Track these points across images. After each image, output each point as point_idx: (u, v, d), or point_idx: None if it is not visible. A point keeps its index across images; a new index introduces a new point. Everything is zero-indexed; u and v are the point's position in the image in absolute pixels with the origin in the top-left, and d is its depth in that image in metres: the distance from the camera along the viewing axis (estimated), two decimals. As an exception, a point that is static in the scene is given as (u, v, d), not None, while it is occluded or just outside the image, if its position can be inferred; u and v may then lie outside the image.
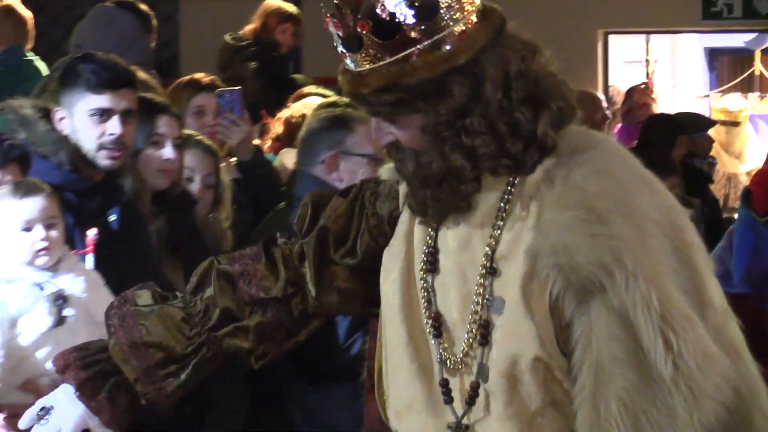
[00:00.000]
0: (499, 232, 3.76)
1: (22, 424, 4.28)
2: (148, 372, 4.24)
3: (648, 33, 16.71)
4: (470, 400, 3.83)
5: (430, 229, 3.94)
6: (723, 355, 3.67)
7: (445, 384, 3.85)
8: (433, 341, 3.88)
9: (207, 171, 6.89)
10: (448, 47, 3.68)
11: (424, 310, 3.95)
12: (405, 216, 4.06)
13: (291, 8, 11.12)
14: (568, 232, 3.62)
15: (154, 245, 6.28)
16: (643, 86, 14.66)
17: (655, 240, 3.67)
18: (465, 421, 3.85)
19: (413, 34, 3.67)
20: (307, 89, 9.46)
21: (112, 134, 5.90)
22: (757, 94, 15.50)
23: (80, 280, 5.22)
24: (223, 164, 7.19)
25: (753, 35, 16.11)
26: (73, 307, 5.29)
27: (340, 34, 3.74)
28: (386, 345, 4.01)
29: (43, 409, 4.26)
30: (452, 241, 3.86)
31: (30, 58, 9.59)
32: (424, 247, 3.96)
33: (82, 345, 4.36)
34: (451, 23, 3.69)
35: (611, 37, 16.15)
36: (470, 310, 3.83)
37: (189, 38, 14.65)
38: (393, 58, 3.70)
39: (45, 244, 5.26)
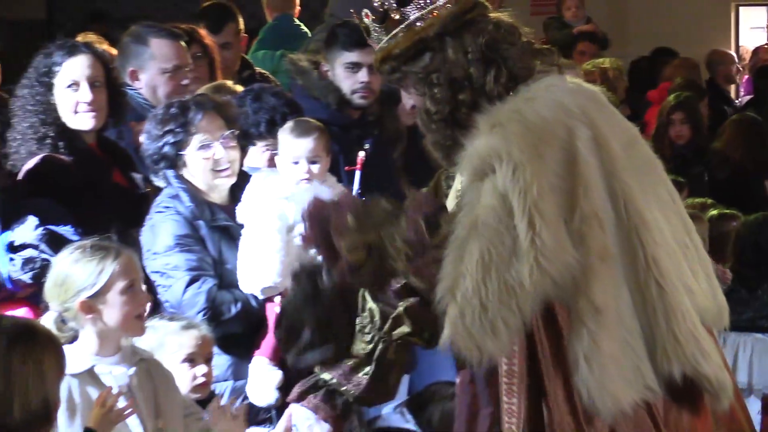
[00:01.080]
0: None
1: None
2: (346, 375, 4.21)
3: (766, 5, 16.50)
4: None
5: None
6: (572, 250, 3.67)
7: None
8: None
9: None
10: (419, 24, 3.91)
11: None
12: None
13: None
14: (477, 135, 3.76)
15: (396, 167, 6.49)
16: (766, 46, 14.40)
17: (549, 149, 3.71)
18: None
19: (396, 17, 3.94)
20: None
21: (362, 82, 6.32)
22: None
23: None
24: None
25: None
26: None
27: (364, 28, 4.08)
28: None
29: None
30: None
31: (297, 23, 9.52)
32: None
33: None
34: (425, 7, 3.92)
35: (741, 8, 15.93)
36: None
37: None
38: (387, 37, 3.97)
39: (306, 176, 5.37)
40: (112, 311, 4.36)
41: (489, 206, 3.72)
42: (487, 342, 3.65)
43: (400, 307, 4.07)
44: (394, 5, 3.95)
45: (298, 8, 9.79)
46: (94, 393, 4.30)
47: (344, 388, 4.17)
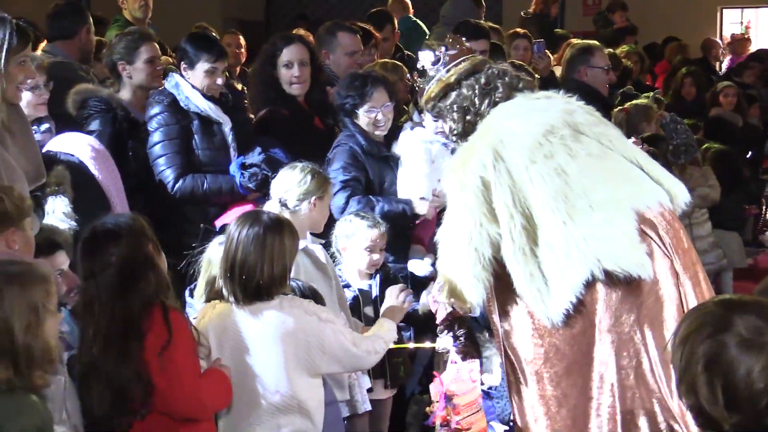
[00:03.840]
0: None
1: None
2: None
3: (742, 8, 16.27)
4: None
5: None
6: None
7: None
8: None
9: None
10: (447, 74, 3.92)
11: None
12: None
13: None
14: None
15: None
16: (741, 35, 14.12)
17: (540, 155, 3.62)
18: None
19: (432, 73, 3.95)
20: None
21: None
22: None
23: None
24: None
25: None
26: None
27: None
28: None
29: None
30: None
31: (415, 21, 8.99)
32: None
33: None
34: (449, 64, 3.93)
35: (724, 10, 15.40)
36: None
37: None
38: (428, 86, 3.97)
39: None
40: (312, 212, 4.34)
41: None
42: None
43: None
44: (431, 65, 3.95)
45: (412, 10, 9.30)
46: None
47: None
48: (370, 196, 5.05)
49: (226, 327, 3.60)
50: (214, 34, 5.68)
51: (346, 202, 4.97)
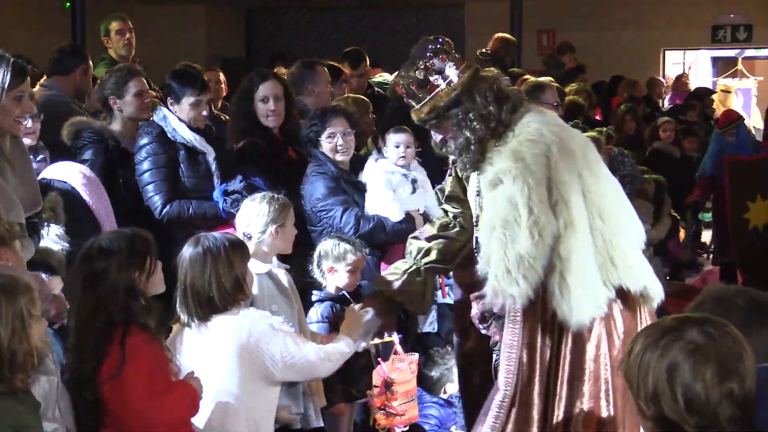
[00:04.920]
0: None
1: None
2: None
3: (684, 50, 16.49)
4: None
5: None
6: (555, 222, 3.54)
7: None
8: None
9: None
10: (454, 83, 3.73)
11: None
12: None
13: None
14: (493, 160, 3.69)
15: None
16: (683, 75, 14.51)
17: (535, 163, 3.57)
18: None
19: (436, 81, 3.75)
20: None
21: None
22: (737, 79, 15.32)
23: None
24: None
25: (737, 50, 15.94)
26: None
27: (405, 93, 3.83)
28: None
29: None
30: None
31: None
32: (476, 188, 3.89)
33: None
34: (453, 71, 3.74)
35: (667, 52, 15.70)
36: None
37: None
38: (430, 96, 3.75)
39: (403, 155, 5.19)
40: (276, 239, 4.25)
41: (501, 206, 3.60)
42: (513, 290, 3.55)
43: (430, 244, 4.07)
44: (436, 75, 3.76)
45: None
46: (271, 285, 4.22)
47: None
48: (376, 215, 5.07)
49: (180, 345, 3.57)
50: (197, 68, 5.65)
51: (357, 222, 5.00)
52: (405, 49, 3.80)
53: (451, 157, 3.96)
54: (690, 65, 16.54)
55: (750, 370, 2.22)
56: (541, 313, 3.63)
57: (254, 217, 4.24)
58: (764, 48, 15.65)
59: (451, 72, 3.75)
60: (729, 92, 13.62)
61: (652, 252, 7.48)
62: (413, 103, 3.80)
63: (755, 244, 7.51)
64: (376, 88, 7.66)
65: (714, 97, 12.76)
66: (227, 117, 6.13)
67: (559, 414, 3.60)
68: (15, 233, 3.28)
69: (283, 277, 4.33)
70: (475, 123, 3.71)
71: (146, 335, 3.27)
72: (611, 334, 3.64)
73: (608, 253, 3.61)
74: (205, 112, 5.12)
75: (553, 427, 3.60)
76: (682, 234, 9.36)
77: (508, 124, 3.71)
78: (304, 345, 3.69)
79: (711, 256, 10.03)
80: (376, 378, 4.09)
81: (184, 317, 3.58)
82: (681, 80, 13.89)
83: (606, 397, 3.61)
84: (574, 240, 3.56)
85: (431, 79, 3.75)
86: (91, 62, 6.24)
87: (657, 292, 3.71)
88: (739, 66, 15.59)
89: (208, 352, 3.56)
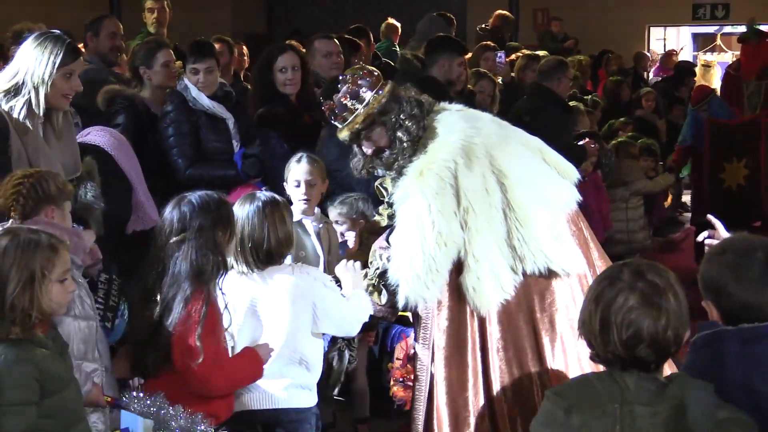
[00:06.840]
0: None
1: None
2: None
3: (666, 26, 16.30)
4: None
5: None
6: (460, 231, 3.47)
7: None
8: None
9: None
10: (372, 102, 3.64)
11: None
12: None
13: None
14: (407, 178, 3.58)
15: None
16: (673, 52, 14.35)
17: (444, 176, 3.49)
18: None
19: (353, 106, 3.66)
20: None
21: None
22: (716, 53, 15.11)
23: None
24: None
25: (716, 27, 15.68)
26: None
27: (329, 114, 3.74)
28: None
29: None
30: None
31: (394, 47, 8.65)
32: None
33: None
34: (369, 94, 3.65)
35: (652, 28, 15.61)
36: None
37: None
38: (351, 116, 3.67)
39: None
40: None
41: (409, 218, 3.52)
42: (424, 293, 3.50)
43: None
44: (353, 101, 3.69)
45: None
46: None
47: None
48: None
49: (238, 292, 3.48)
50: (205, 40, 5.48)
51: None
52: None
53: (379, 171, 3.80)
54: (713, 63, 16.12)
55: (674, 311, 2.25)
56: (459, 306, 3.57)
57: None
58: (741, 25, 15.27)
59: (367, 95, 3.67)
60: (710, 67, 13.45)
61: (642, 203, 7.51)
62: (339, 124, 3.74)
63: (728, 203, 7.50)
64: (384, 59, 7.52)
65: (696, 70, 12.59)
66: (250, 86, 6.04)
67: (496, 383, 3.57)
68: (68, 193, 3.22)
69: (310, 227, 4.36)
70: (407, 122, 3.65)
71: (215, 295, 3.26)
72: (531, 308, 3.58)
73: (519, 242, 3.52)
74: (202, 78, 4.96)
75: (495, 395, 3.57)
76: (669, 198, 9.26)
77: (426, 127, 3.67)
78: (346, 305, 3.62)
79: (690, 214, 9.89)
80: (400, 351, 3.94)
81: (241, 267, 3.48)
82: (671, 57, 13.73)
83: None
84: (484, 242, 3.49)
85: (349, 104, 3.68)
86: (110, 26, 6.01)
87: (572, 267, 3.61)
88: (718, 41, 15.45)
89: (269, 302, 3.49)
